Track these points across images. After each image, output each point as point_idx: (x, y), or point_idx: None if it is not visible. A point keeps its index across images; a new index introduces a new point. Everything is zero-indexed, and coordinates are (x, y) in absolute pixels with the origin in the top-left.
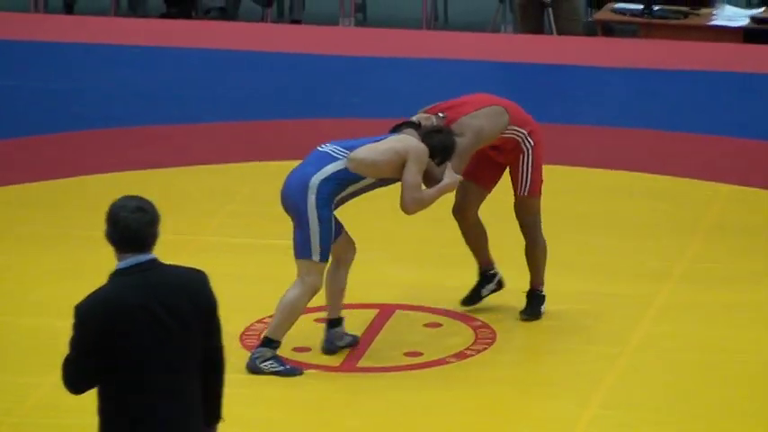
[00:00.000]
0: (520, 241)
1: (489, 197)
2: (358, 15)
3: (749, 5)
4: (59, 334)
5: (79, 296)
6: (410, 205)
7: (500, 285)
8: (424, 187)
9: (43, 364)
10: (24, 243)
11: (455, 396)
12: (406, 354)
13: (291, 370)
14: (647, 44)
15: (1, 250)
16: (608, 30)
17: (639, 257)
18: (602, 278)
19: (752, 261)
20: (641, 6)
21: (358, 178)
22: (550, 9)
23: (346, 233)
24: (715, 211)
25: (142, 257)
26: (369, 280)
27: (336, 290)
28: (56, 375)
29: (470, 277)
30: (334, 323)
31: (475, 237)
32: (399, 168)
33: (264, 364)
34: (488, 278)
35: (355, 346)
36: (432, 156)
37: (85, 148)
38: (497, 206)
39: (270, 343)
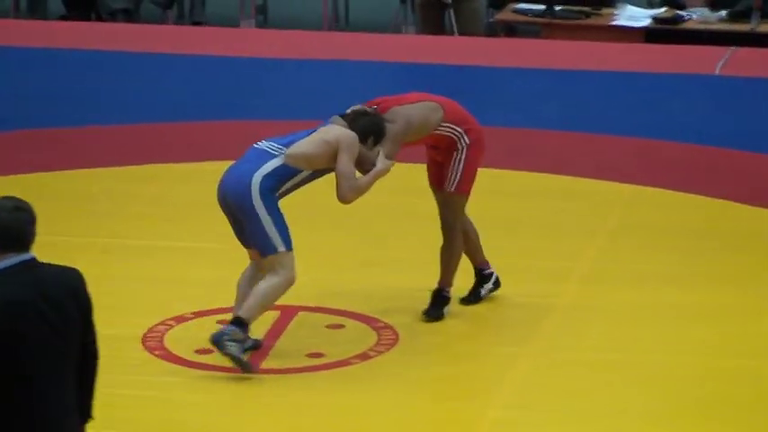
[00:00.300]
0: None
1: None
2: (259, 17)
3: (650, 5)
4: None
5: None
6: (347, 194)
7: (497, 284)
8: (359, 174)
9: None
10: None
11: (358, 398)
12: (309, 355)
13: (246, 365)
14: (548, 44)
15: None
16: (510, 30)
17: (543, 258)
18: (506, 280)
19: (655, 262)
20: (543, 7)
21: (296, 172)
22: (452, 10)
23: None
24: (618, 212)
25: (26, 256)
26: None
27: (248, 291)
28: None
29: (372, 278)
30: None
31: (464, 238)
32: (333, 158)
33: (230, 343)
34: (485, 278)
35: (257, 348)
36: (362, 139)
37: None
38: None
39: (241, 324)
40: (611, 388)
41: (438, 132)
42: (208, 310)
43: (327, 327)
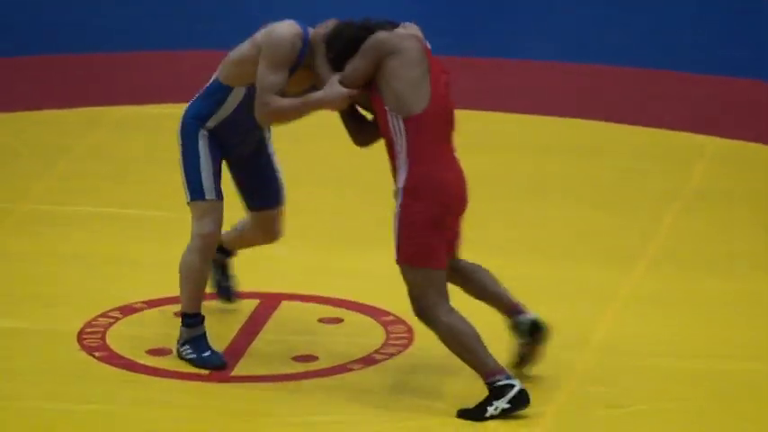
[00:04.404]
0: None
1: None
2: None
3: None
4: None
5: None
6: (259, 114)
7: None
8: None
9: None
10: None
11: (360, 417)
12: (296, 358)
13: (208, 359)
14: None
15: None
16: None
17: (605, 234)
18: (559, 259)
19: (742, 239)
20: None
21: (228, 91)
22: None
23: (270, 217)
24: (698, 174)
25: None
26: (248, 261)
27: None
28: None
29: (382, 259)
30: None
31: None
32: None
33: (182, 348)
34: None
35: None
36: (327, 48)
37: None
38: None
39: (186, 319)
40: (687, 404)
41: (388, 117)
42: (161, 299)
43: (320, 320)
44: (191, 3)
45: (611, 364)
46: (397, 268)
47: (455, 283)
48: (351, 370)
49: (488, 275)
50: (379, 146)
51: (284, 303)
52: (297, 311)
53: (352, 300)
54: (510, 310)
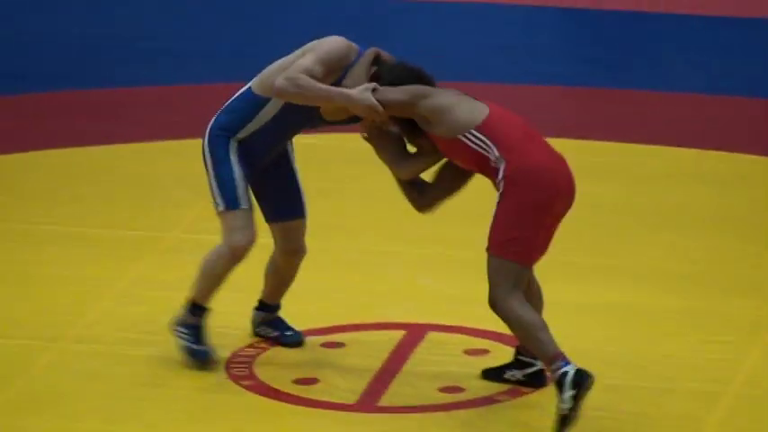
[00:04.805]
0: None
1: None
2: None
3: None
4: None
5: None
6: (280, 82)
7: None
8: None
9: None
10: None
11: None
12: (442, 389)
13: (198, 352)
14: None
15: None
16: None
17: (750, 263)
18: (698, 290)
19: None
20: None
21: (262, 102)
22: None
23: (295, 228)
24: None
25: None
26: (392, 292)
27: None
28: None
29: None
30: (266, 307)
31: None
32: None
33: (179, 329)
34: (519, 364)
35: (297, 343)
36: (376, 75)
37: None
38: None
39: (193, 307)
40: None
41: (463, 141)
42: (310, 330)
43: (466, 352)
44: None
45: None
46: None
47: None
48: (497, 402)
49: (541, 308)
50: None
51: (430, 334)
52: (442, 342)
53: (497, 331)
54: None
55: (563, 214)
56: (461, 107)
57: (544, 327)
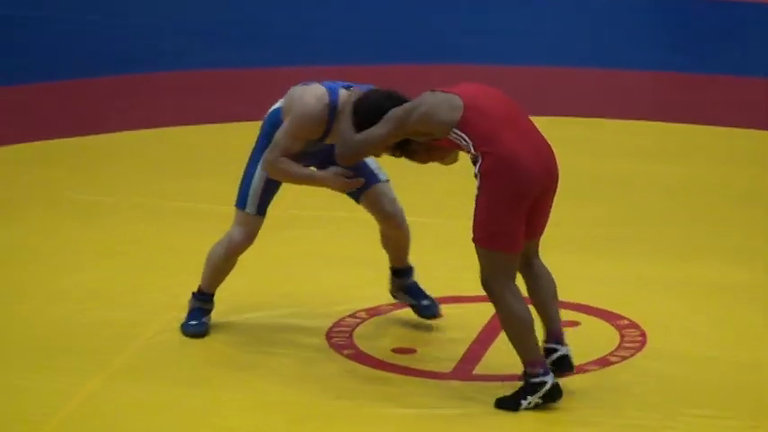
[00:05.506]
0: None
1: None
2: None
3: None
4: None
5: None
6: (265, 165)
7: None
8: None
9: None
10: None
11: (595, 412)
12: None
13: (193, 328)
14: None
15: None
16: None
17: None
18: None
19: None
20: None
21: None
22: None
23: (380, 192)
24: None
25: None
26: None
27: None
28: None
29: (615, 264)
30: (396, 272)
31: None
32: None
33: (190, 316)
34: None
35: (432, 315)
36: (354, 112)
37: None
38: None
39: (198, 294)
40: None
41: (451, 139)
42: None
43: None
44: None
45: None
46: (630, 274)
47: (523, 278)
48: (586, 371)
49: (552, 290)
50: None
51: None
52: (535, 315)
53: (589, 304)
54: (551, 334)
55: (547, 194)
56: (441, 107)
57: (533, 327)
